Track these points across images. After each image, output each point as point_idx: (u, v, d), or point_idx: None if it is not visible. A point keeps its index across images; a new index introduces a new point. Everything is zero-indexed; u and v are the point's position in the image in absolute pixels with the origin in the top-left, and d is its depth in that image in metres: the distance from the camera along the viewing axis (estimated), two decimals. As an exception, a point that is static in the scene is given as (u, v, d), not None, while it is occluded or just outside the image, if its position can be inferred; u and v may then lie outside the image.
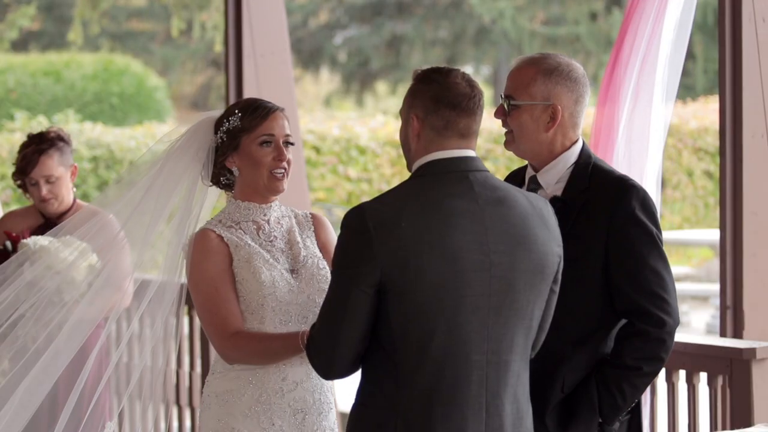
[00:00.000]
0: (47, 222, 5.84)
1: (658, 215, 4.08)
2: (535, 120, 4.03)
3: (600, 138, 5.33)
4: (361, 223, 3.48)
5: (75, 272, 5.41)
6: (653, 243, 3.96)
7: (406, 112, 3.65)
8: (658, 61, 5.29)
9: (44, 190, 5.78)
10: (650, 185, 5.27)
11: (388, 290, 3.46)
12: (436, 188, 3.54)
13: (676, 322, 3.96)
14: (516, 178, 4.22)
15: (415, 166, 3.62)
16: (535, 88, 4.02)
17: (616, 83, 5.32)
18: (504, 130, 4.09)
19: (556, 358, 3.95)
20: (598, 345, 4.00)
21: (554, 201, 4.02)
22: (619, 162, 5.26)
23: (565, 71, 4.04)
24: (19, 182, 5.89)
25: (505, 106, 4.05)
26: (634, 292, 3.94)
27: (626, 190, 3.99)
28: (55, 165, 5.80)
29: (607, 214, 3.96)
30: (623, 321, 4.00)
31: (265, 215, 4.13)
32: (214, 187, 4.23)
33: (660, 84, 5.32)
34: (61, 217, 5.84)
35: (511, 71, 4.10)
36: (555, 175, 4.08)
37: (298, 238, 4.14)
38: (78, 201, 5.93)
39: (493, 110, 4.11)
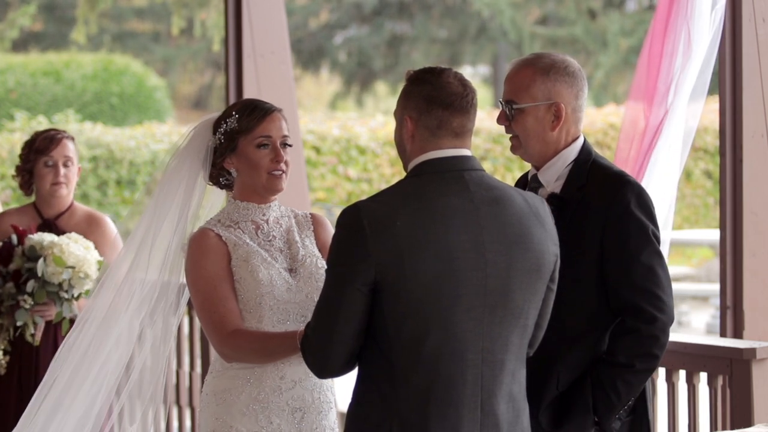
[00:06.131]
0: (45, 222, 5.84)
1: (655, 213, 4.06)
2: (540, 121, 4.02)
3: (630, 135, 5.32)
4: (356, 221, 3.47)
5: (88, 268, 5.50)
6: (647, 239, 3.94)
7: (399, 114, 3.64)
8: (692, 62, 5.30)
9: (62, 171, 5.81)
10: (668, 186, 5.26)
11: (383, 289, 3.46)
12: (432, 187, 3.53)
13: (670, 319, 3.94)
14: (524, 180, 4.23)
15: (411, 166, 3.61)
16: (536, 89, 4.01)
17: (652, 83, 5.32)
18: (503, 135, 4.10)
19: (551, 355, 3.93)
20: (594, 343, 3.99)
21: (552, 198, 4.01)
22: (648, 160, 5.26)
23: (561, 67, 4.03)
24: (25, 171, 5.87)
25: (507, 112, 4.04)
26: (625, 288, 3.92)
27: (622, 185, 3.98)
28: (73, 150, 5.89)
29: (602, 210, 3.95)
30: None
31: (264, 215, 4.13)
32: (218, 188, 4.24)
33: (689, 85, 5.33)
34: (58, 217, 5.85)
35: (508, 76, 4.08)
36: (555, 173, 4.07)
37: (297, 238, 4.14)
38: (75, 202, 5.94)
39: (490, 110, 4.14)
